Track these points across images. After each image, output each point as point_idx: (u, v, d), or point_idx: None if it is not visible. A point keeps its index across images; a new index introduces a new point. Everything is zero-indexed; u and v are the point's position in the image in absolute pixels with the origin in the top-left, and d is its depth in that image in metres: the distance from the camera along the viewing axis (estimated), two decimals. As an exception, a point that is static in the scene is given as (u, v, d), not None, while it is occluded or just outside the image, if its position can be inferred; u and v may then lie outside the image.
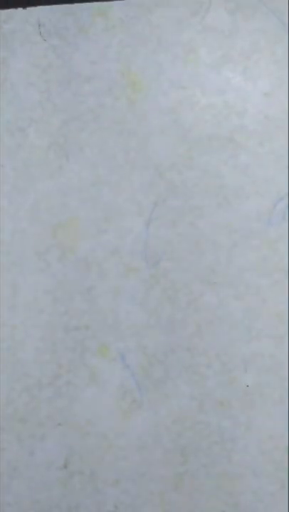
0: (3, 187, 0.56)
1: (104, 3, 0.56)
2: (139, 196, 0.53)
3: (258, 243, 0.52)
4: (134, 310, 0.52)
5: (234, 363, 0.52)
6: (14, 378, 0.53)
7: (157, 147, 0.54)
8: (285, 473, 0.50)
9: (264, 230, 0.52)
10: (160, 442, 0.52)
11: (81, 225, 0.53)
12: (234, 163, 0.53)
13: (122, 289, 0.53)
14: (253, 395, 0.51)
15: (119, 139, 0.55)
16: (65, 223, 0.54)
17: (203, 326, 0.51)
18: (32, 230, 0.55)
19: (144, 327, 0.52)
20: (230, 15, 0.55)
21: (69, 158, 0.56)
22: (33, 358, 0.54)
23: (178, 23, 0.55)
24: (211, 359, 0.51)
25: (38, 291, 0.55)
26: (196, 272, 0.52)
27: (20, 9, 0.58)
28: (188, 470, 0.51)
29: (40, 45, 0.57)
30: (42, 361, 0.54)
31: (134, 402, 0.52)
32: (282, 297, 0.50)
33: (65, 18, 0.57)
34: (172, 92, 0.55)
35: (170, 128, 0.54)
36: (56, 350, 0.54)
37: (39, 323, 0.53)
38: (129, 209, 0.53)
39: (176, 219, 0.53)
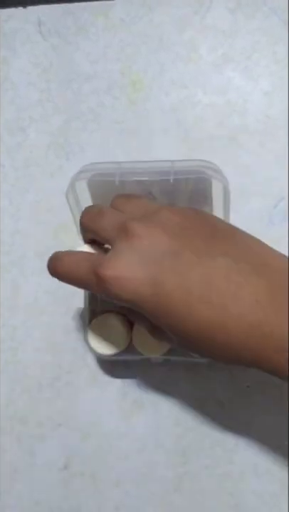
0: (3, 187, 0.56)
1: (105, 2, 0.56)
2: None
3: (259, 243, 0.52)
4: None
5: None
6: (14, 379, 0.53)
7: (158, 147, 0.54)
8: (286, 474, 0.50)
9: (265, 230, 0.52)
10: (161, 443, 0.52)
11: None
12: (235, 163, 0.53)
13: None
14: (254, 395, 0.51)
15: (120, 139, 0.55)
16: (65, 223, 0.54)
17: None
18: (32, 230, 0.55)
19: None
20: (231, 14, 0.55)
21: (69, 158, 0.56)
22: (34, 359, 0.54)
23: (179, 22, 0.55)
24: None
25: (39, 291, 0.55)
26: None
27: (20, 8, 0.57)
28: (189, 471, 0.51)
29: (40, 44, 0.57)
30: (42, 362, 0.53)
31: (135, 403, 0.52)
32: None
33: (65, 18, 0.57)
34: (173, 91, 0.55)
35: (171, 127, 0.54)
36: (57, 351, 0.53)
37: (39, 323, 0.53)
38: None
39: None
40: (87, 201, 0.47)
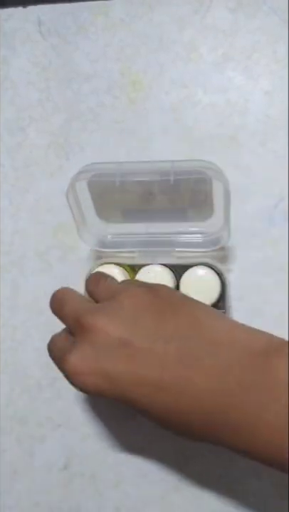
0: (3, 187, 0.56)
1: (105, 1, 0.56)
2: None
3: (260, 243, 0.52)
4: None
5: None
6: (14, 379, 0.53)
7: (158, 147, 0.54)
8: (286, 475, 0.50)
9: (265, 230, 0.52)
10: (161, 443, 0.52)
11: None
12: (236, 163, 0.53)
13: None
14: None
15: (120, 139, 0.55)
16: (65, 223, 0.54)
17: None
18: (32, 230, 0.55)
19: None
20: (231, 13, 0.55)
21: (69, 158, 0.56)
22: (34, 359, 0.53)
23: (179, 22, 0.55)
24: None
25: (39, 291, 0.55)
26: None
27: (20, 8, 0.57)
28: (189, 471, 0.51)
29: (40, 43, 0.57)
30: (42, 362, 0.53)
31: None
32: (283, 297, 0.50)
33: (65, 17, 0.56)
34: (173, 91, 0.55)
35: (171, 127, 0.54)
36: (57, 351, 0.53)
37: (39, 323, 0.53)
38: (130, 209, 0.53)
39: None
40: (87, 201, 0.47)
